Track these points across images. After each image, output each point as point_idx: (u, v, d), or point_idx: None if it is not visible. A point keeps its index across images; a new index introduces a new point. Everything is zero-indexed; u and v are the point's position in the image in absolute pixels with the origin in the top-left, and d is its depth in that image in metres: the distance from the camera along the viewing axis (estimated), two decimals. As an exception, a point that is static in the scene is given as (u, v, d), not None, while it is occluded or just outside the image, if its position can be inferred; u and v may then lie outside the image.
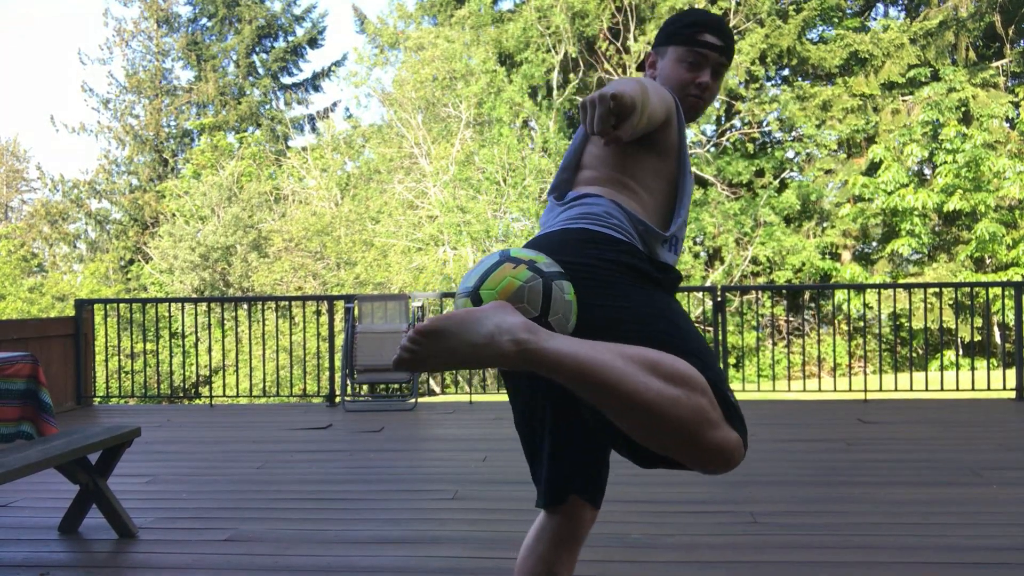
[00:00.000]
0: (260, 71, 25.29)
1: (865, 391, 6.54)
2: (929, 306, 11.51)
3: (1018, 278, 14.21)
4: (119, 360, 7.57)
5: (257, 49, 25.22)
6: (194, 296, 16.66)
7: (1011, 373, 6.38)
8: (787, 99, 16.27)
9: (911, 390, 6.57)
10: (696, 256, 17.08)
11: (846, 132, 16.82)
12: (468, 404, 6.63)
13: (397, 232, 16.06)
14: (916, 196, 14.80)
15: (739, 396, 6.85)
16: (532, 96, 16.87)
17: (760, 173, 17.33)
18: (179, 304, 11.15)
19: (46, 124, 35.70)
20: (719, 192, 16.76)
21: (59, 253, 24.50)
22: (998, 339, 13.44)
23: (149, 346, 11.10)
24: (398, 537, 2.92)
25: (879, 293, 13.61)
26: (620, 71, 16.78)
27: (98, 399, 7.10)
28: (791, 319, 16.58)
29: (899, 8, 20.07)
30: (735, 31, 16.14)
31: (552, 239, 1.54)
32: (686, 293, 8.74)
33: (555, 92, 17.03)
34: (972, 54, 17.09)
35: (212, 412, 6.43)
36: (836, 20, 18.23)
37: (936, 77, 16.59)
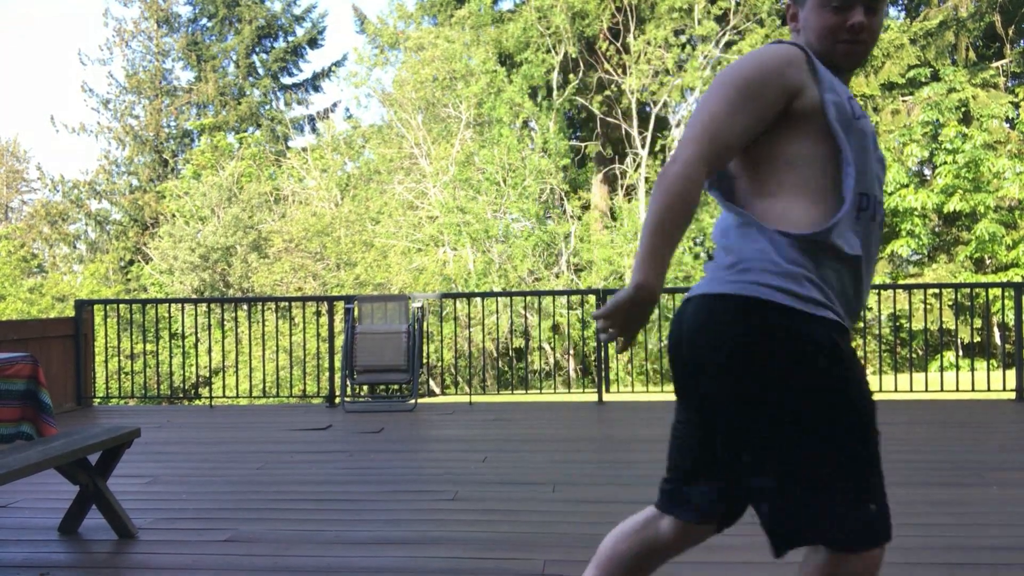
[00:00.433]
0: (260, 71, 25.31)
1: (865, 391, 6.54)
2: (929, 307, 11.52)
3: (1018, 279, 14.21)
4: (119, 361, 7.58)
5: (257, 49, 25.24)
6: (194, 297, 16.66)
7: (1011, 373, 6.38)
8: None
9: (911, 391, 6.57)
10: (696, 256, 17.08)
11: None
12: (468, 405, 6.63)
13: (397, 233, 16.06)
14: (916, 197, 14.80)
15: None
16: (532, 96, 16.87)
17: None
18: (179, 305, 11.14)
19: (46, 124, 35.74)
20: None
21: (59, 254, 24.50)
22: (998, 340, 13.43)
23: (149, 347, 11.10)
24: (398, 538, 2.92)
25: (879, 294, 13.60)
26: (620, 71, 16.78)
27: (98, 400, 7.10)
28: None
29: (899, 8, 20.07)
30: (735, 30, 16.16)
31: (700, 317, 1.48)
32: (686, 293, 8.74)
33: (555, 92, 17.03)
34: (972, 54, 17.09)
35: (212, 413, 6.43)
36: (836, 20, 18.24)
37: (936, 77, 16.59)
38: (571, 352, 13.95)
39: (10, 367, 3.11)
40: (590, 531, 2.96)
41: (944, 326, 14.55)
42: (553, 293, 12.62)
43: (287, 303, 13.13)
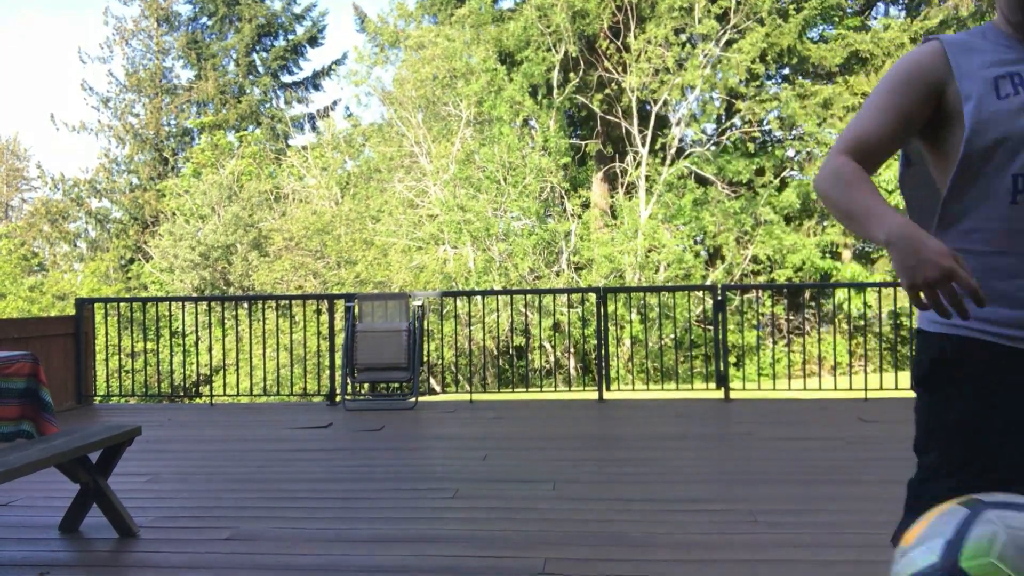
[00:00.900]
0: (260, 70, 25.29)
1: (865, 390, 6.54)
2: (929, 305, 11.51)
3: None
4: (119, 359, 7.58)
5: (257, 48, 25.22)
6: (194, 295, 16.66)
7: (1011, 372, 6.37)
8: (789, 97, 16.27)
9: (911, 389, 6.57)
10: (696, 255, 17.08)
11: (847, 131, 16.81)
12: (468, 403, 6.63)
13: (397, 231, 16.06)
14: (916, 195, 14.79)
15: (739, 395, 6.86)
16: (532, 95, 16.86)
17: (760, 172, 17.33)
18: (179, 303, 11.15)
19: (46, 123, 35.73)
20: (719, 191, 16.75)
21: (59, 252, 24.50)
22: (998, 338, 13.42)
23: (149, 345, 11.10)
24: (399, 536, 2.93)
25: (879, 292, 13.61)
26: (620, 69, 16.77)
27: (98, 398, 7.10)
28: (791, 318, 16.59)
29: (899, 7, 20.06)
30: (735, 29, 16.14)
31: None
32: (686, 292, 8.74)
33: (555, 91, 17.02)
34: (972, 53, 17.09)
35: (212, 411, 6.43)
36: (837, 19, 18.23)
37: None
38: (571, 350, 13.96)
39: (10, 365, 3.11)
40: (590, 529, 2.96)
41: (944, 324, 14.54)
42: (554, 291, 12.62)
43: (287, 301, 13.12)
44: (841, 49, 16.94)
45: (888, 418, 5.38)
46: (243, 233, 17.42)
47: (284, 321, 13.67)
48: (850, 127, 1.39)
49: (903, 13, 19.54)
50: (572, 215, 17.02)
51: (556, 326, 14.13)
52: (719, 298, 6.59)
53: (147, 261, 20.18)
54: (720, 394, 6.54)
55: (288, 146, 22.90)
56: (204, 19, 24.91)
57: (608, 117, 17.66)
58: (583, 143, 18.61)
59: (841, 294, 12.98)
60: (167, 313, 12.47)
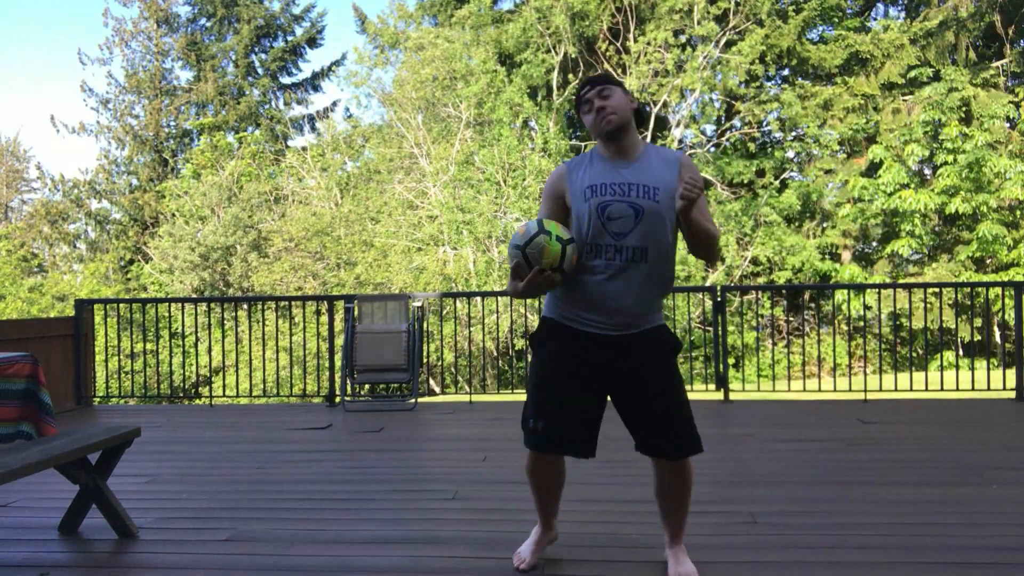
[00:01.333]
0: (259, 71, 25.30)
1: (865, 391, 6.54)
2: (929, 306, 11.51)
3: (1018, 278, 14.21)
4: (119, 360, 7.57)
5: (256, 49, 25.23)
6: (194, 296, 16.66)
7: (1011, 373, 6.38)
8: (790, 99, 16.28)
9: (911, 390, 6.57)
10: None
11: (847, 132, 16.82)
12: (468, 404, 6.63)
13: (397, 232, 16.06)
14: (917, 198, 14.80)
15: (739, 396, 6.86)
16: (532, 96, 16.87)
17: (760, 173, 17.34)
18: (179, 304, 11.15)
19: (46, 124, 35.71)
20: (719, 192, 16.76)
21: (59, 253, 24.50)
22: (998, 339, 13.44)
23: (149, 346, 11.10)
24: (398, 537, 2.92)
25: (879, 293, 13.61)
26: (620, 71, 16.78)
27: (98, 399, 7.10)
28: (791, 319, 16.59)
29: (899, 8, 20.07)
30: (735, 31, 16.17)
31: None
32: (686, 293, 8.74)
33: (555, 92, 17.03)
34: (972, 54, 17.09)
35: (212, 412, 6.43)
36: (836, 20, 18.24)
37: (937, 77, 16.59)
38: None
39: (10, 366, 3.11)
40: (590, 530, 2.96)
41: (944, 325, 14.55)
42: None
43: (287, 302, 13.13)
44: (841, 50, 16.95)
45: (888, 419, 5.37)
46: (243, 234, 17.41)
47: (284, 322, 13.66)
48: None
49: (902, 14, 19.55)
50: (572, 216, 17.00)
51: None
52: (719, 299, 6.59)
53: (147, 262, 20.17)
54: (720, 395, 6.54)
55: (288, 147, 22.89)
56: (203, 20, 24.93)
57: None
58: (583, 144, 18.60)
59: (840, 295, 12.99)
60: (167, 314, 12.46)
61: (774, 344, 16.13)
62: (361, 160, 19.52)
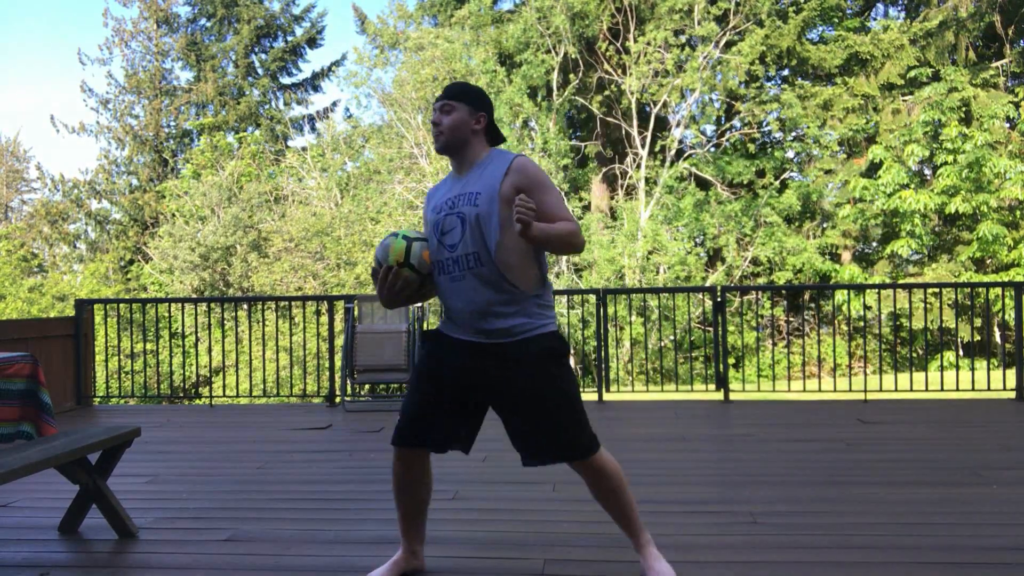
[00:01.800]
0: (259, 71, 25.29)
1: (865, 391, 6.54)
2: (929, 306, 11.51)
3: (1018, 278, 14.21)
4: (119, 360, 7.57)
5: (256, 49, 25.22)
6: (194, 296, 16.66)
7: (1011, 373, 6.38)
8: (790, 99, 16.28)
9: (911, 390, 6.58)
10: (697, 256, 17.08)
11: (847, 132, 16.82)
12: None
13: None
14: (917, 198, 14.80)
15: (739, 396, 6.86)
16: (532, 97, 16.87)
17: (760, 173, 17.34)
18: (179, 304, 11.14)
19: (46, 124, 35.73)
20: (719, 192, 16.76)
21: (59, 253, 24.49)
22: (998, 339, 13.44)
23: (149, 346, 11.10)
24: (398, 537, 2.91)
25: (879, 293, 13.62)
26: (620, 71, 16.78)
27: (98, 399, 7.10)
28: (791, 319, 16.59)
29: (899, 8, 20.08)
30: (735, 31, 16.17)
31: None
32: (686, 293, 8.74)
33: (555, 93, 17.03)
34: (972, 54, 17.10)
35: (212, 412, 6.43)
36: (836, 20, 18.24)
37: (937, 77, 16.59)
38: (571, 352, 13.93)
39: (10, 367, 3.11)
40: (590, 530, 2.96)
41: (944, 325, 14.56)
42: (554, 292, 12.59)
43: (287, 303, 13.13)
44: (840, 50, 16.95)
45: (888, 419, 5.37)
46: (243, 234, 17.41)
47: (284, 322, 13.66)
48: None
49: (902, 14, 19.55)
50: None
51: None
52: (719, 300, 6.60)
53: (147, 262, 20.17)
54: (720, 395, 6.54)
55: (288, 147, 22.89)
56: (203, 21, 24.92)
57: (608, 119, 17.67)
58: (583, 145, 18.62)
59: (840, 296, 12.99)
60: (167, 314, 12.46)
61: (774, 344, 16.13)
62: (361, 160, 19.52)
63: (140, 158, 23.66)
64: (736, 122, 17.89)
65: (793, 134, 17.89)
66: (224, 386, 11.60)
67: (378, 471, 4.07)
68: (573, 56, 16.77)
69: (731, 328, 11.78)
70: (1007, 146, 15.53)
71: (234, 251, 17.42)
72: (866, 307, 14.58)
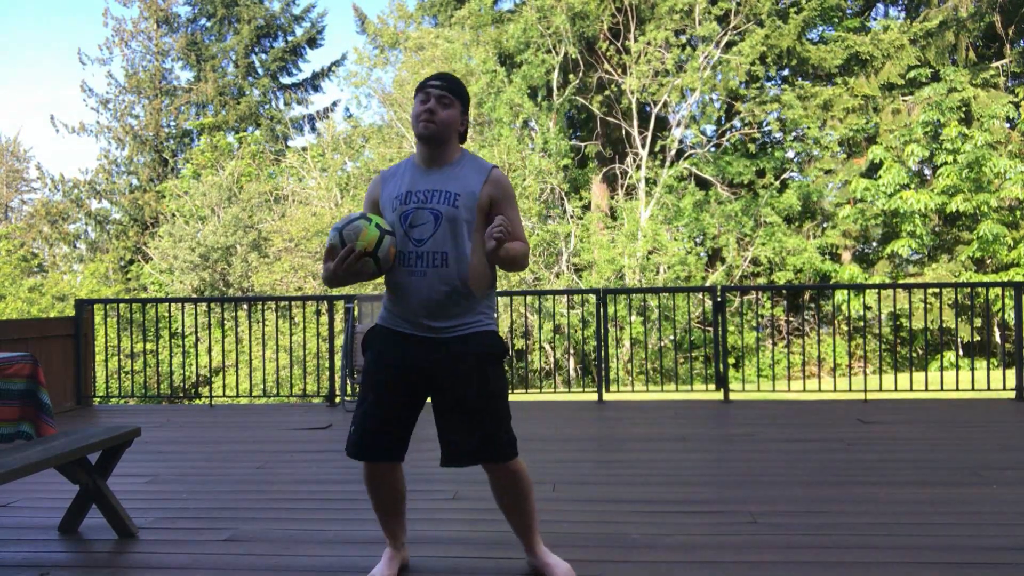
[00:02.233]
0: (259, 71, 25.30)
1: (865, 391, 6.55)
2: (929, 306, 11.51)
3: (1018, 278, 14.21)
4: (119, 360, 7.57)
5: (256, 49, 25.23)
6: (194, 296, 16.66)
7: (1011, 373, 6.38)
8: (790, 100, 16.27)
9: (911, 390, 6.58)
10: (698, 256, 17.08)
11: (847, 133, 16.82)
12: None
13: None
14: (917, 199, 14.80)
15: (739, 396, 6.86)
16: (532, 97, 16.87)
17: (761, 173, 17.34)
18: (179, 304, 11.14)
19: (46, 124, 35.74)
20: (719, 192, 16.75)
21: (59, 253, 24.49)
22: (998, 339, 13.44)
23: (149, 346, 11.11)
24: (398, 537, 2.92)
25: (879, 293, 13.62)
26: (620, 71, 16.78)
27: (98, 399, 7.10)
28: (791, 319, 16.59)
29: (899, 8, 20.07)
30: (735, 31, 16.17)
31: None
32: (686, 293, 8.74)
33: (555, 93, 17.02)
34: (972, 54, 17.09)
35: (212, 412, 6.43)
36: (836, 20, 18.24)
37: (936, 77, 16.59)
38: (571, 352, 13.96)
39: (10, 367, 3.11)
40: (590, 530, 2.96)
41: (944, 325, 14.55)
42: (554, 293, 12.61)
43: (287, 302, 13.13)
44: (841, 50, 16.94)
45: (888, 419, 5.38)
46: (243, 234, 17.41)
47: (284, 322, 13.66)
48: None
49: (902, 14, 19.55)
50: (572, 217, 17.02)
51: (556, 328, 14.13)
52: (719, 299, 6.59)
53: (147, 262, 20.18)
54: (720, 395, 6.54)
55: (288, 147, 22.89)
56: (203, 21, 24.93)
57: (608, 119, 17.66)
58: (583, 145, 18.61)
59: (840, 295, 12.99)
60: (167, 314, 12.47)
61: (774, 344, 16.13)
62: (361, 160, 19.51)
63: (140, 158, 23.66)
64: (736, 122, 17.89)
65: (793, 134, 17.89)
66: (224, 386, 11.60)
67: (378, 471, 4.07)
68: (573, 56, 16.76)
69: (731, 328, 11.78)
70: (1007, 146, 15.53)
71: (234, 251, 17.42)
72: (866, 307, 14.57)
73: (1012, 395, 6.31)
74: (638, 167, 16.71)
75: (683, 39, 16.73)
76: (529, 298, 13.08)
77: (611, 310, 13.61)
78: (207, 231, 17.52)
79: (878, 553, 2.67)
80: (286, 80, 25.80)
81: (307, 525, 3.09)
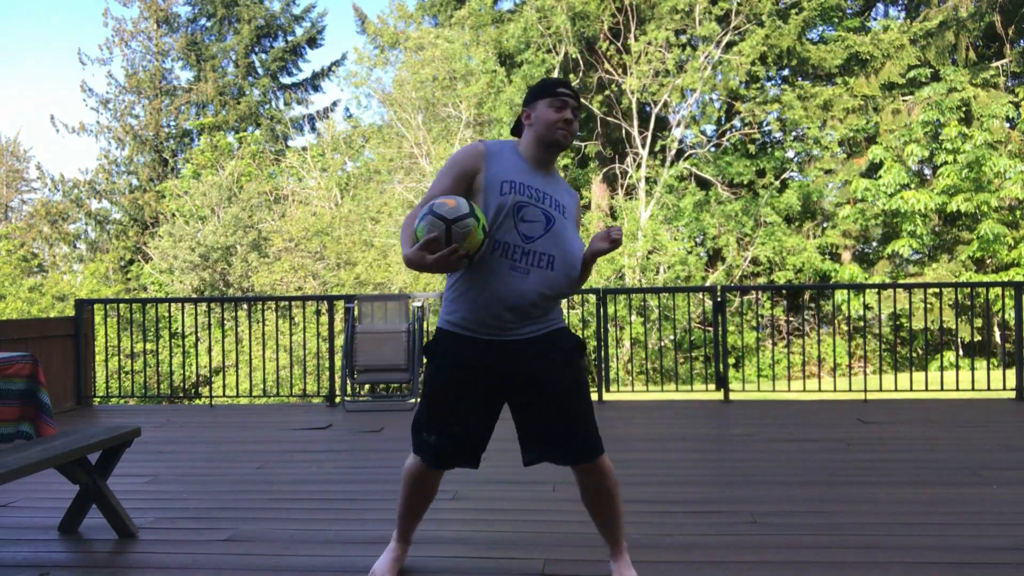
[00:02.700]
0: (259, 71, 25.30)
1: (865, 391, 6.55)
2: (929, 306, 11.51)
3: (1018, 278, 14.21)
4: (119, 360, 7.57)
5: (256, 49, 25.23)
6: (194, 296, 16.66)
7: (1011, 373, 6.38)
8: (790, 100, 16.27)
9: (911, 390, 6.58)
10: (697, 256, 17.08)
11: (847, 133, 16.82)
12: (468, 404, 6.61)
13: (397, 232, 16.06)
14: (917, 199, 14.80)
15: (739, 396, 6.86)
16: (532, 96, 16.84)
17: (761, 173, 17.33)
18: (179, 304, 11.14)
19: (46, 124, 35.72)
20: (720, 192, 16.75)
21: (59, 253, 24.49)
22: (998, 339, 13.44)
23: (149, 346, 11.10)
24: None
25: (879, 293, 13.62)
26: (620, 71, 16.77)
27: (98, 399, 7.10)
28: (791, 319, 16.59)
29: (899, 8, 20.07)
30: (735, 31, 16.17)
31: None
32: (686, 293, 8.74)
33: (555, 92, 16.99)
34: (972, 54, 17.09)
35: (212, 412, 6.43)
36: (836, 20, 18.23)
37: (936, 77, 16.59)
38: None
39: (10, 367, 3.11)
40: (590, 530, 2.96)
41: (944, 325, 14.55)
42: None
43: (287, 302, 13.13)
44: (841, 50, 16.94)
45: (888, 419, 5.37)
46: (243, 234, 17.41)
47: (284, 322, 13.66)
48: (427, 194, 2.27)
49: (902, 14, 19.54)
50: (572, 216, 16.97)
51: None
52: (719, 299, 6.59)
53: (147, 262, 20.18)
54: (720, 395, 6.54)
55: (288, 147, 22.90)
56: (203, 20, 24.93)
57: (608, 119, 17.66)
58: (583, 144, 18.60)
59: (840, 295, 12.99)
60: (167, 314, 12.46)
61: (774, 344, 16.13)
62: (361, 160, 19.52)
63: (140, 158, 23.66)
64: (736, 122, 17.89)
65: (793, 134, 17.89)
66: (224, 386, 11.60)
67: (378, 471, 4.07)
68: (574, 56, 16.76)
69: (731, 328, 11.78)
70: (1007, 146, 15.53)
71: (234, 251, 17.42)
72: (866, 307, 14.57)
73: (1012, 395, 6.31)
74: (638, 167, 16.71)
75: (683, 39, 16.73)
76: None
77: (611, 310, 13.60)
78: (207, 231, 17.52)
79: (878, 553, 2.67)
80: (286, 80, 25.82)
81: (307, 525, 3.09)
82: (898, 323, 13.51)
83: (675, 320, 13.53)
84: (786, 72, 18.68)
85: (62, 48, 49.15)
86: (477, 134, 16.63)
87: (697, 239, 17.41)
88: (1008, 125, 15.87)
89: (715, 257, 17.85)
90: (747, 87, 16.92)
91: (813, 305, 13.84)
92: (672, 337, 13.74)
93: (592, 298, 7.45)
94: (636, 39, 16.37)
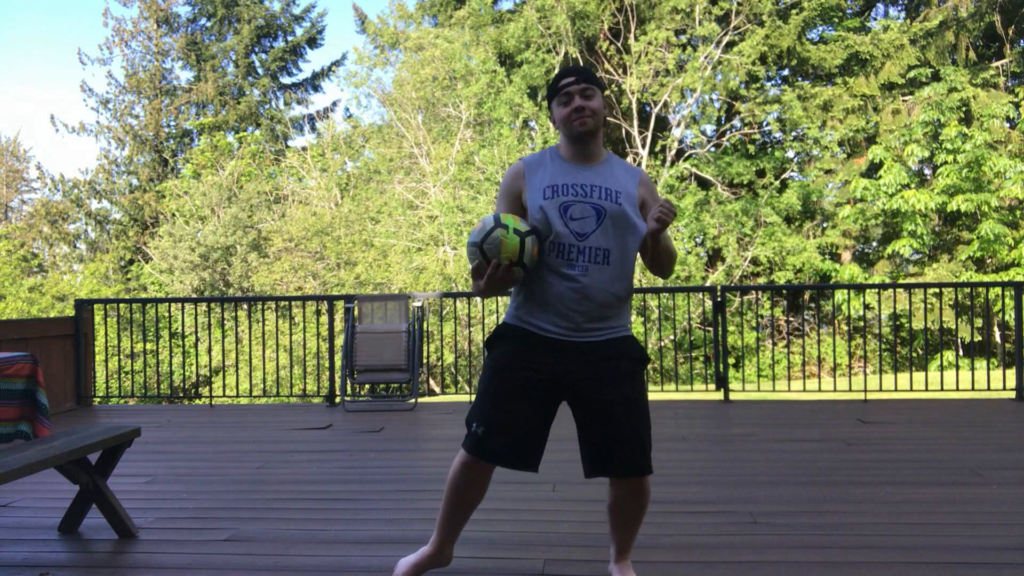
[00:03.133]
0: (259, 71, 25.31)
1: (865, 391, 6.54)
2: (929, 306, 11.51)
3: (1019, 278, 14.21)
4: (119, 360, 7.58)
5: (256, 49, 25.24)
6: (194, 296, 16.66)
7: (1011, 373, 6.38)
8: (791, 100, 16.27)
9: (911, 390, 6.58)
10: (698, 256, 17.07)
11: (847, 133, 16.82)
12: (468, 404, 6.62)
13: (397, 232, 16.06)
14: (917, 198, 14.79)
15: (739, 396, 6.86)
16: (532, 96, 16.86)
17: (761, 173, 17.33)
18: (179, 304, 11.15)
19: (46, 124, 35.70)
20: (720, 192, 16.75)
21: (59, 253, 24.50)
22: (998, 339, 13.44)
23: (149, 346, 11.10)
24: (398, 537, 2.92)
25: (879, 293, 13.61)
26: (620, 71, 16.77)
27: (98, 399, 7.10)
28: (791, 319, 16.59)
29: (899, 8, 20.06)
30: (735, 31, 16.17)
31: None
32: (686, 293, 8.74)
33: (555, 92, 16.99)
34: (972, 54, 17.09)
35: (212, 412, 6.43)
36: (836, 20, 18.23)
37: (936, 77, 16.58)
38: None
39: (10, 367, 3.11)
40: (590, 530, 2.96)
41: (944, 325, 14.55)
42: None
43: (287, 302, 13.13)
44: (840, 50, 16.94)
45: (888, 419, 5.37)
46: (243, 234, 17.41)
47: (284, 322, 13.66)
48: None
49: (902, 14, 19.54)
50: (572, 216, 16.96)
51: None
52: (719, 299, 6.59)
53: (147, 262, 20.18)
54: (720, 395, 6.54)
55: (288, 147, 22.90)
56: (203, 20, 24.94)
57: (608, 119, 17.65)
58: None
59: (840, 295, 12.99)
60: (167, 314, 12.46)
61: (774, 344, 16.12)
62: (361, 160, 19.52)
63: (140, 158, 23.67)
64: (736, 122, 17.89)
65: (793, 134, 17.88)
66: (224, 386, 11.60)
67: (378, 471, 4.07)
68: (574, 56, 16.76)
69: (731, 328, 11.77)
70: (1007, 146, 15.52)
71: (234, 251, 17.42)
72: (866, 307, 14.57)
73: (1012, 395, 6.31)
74: (638, 167, 16.70)
75: (683, 39, 16.72)
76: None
77: (611, 310, 13.56)
78: (207, 231, 17.52)
79: (878, 553, 2.67)
80: (286, 80, 25.82)
81: (307, 525, 3.09)
82: (898, 323, 13.51)
83: (675, 320, 13.53)
84: (786, 72, 18.68)
85: (62, 48, 49.12)
86: (477, 134, 16.63)
87: (697, 239, 17.40)
88: (1008, 125, 15.87)
89: (715, 257, 17.84)
90: (747, 87, 16.91)
91: (813, 305, 13.84)
92: (672, 337, 13.73)
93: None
94: (636, 39, 16.37)
